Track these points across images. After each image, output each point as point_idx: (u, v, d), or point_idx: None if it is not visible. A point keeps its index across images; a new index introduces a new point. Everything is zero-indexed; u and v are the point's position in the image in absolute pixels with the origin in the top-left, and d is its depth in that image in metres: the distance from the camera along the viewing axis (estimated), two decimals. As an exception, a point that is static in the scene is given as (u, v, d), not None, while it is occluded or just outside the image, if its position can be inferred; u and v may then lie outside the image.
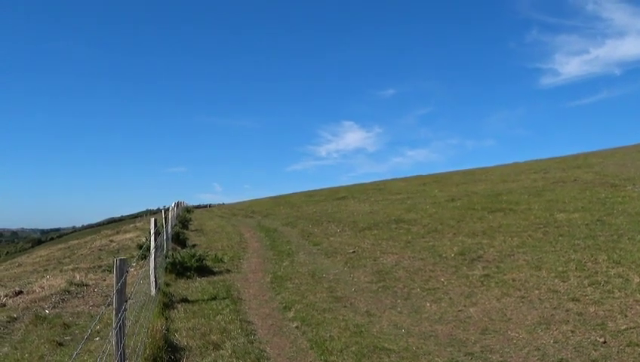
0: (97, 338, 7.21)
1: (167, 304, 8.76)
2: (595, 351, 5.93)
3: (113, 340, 4.65)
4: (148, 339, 6.34)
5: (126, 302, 4.88)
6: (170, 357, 6.16)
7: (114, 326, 4.64)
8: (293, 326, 7.76)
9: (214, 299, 9.43)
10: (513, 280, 9.01)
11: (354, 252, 13.13)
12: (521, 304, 7.87)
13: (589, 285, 8.13)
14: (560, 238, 11.18)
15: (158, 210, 34.55)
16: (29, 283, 11.92)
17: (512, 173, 28.00)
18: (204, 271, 11.92)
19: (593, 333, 6.40)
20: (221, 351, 6.46)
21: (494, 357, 6.07)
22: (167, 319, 7.77)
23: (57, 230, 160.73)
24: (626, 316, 6.79)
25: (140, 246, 15.15)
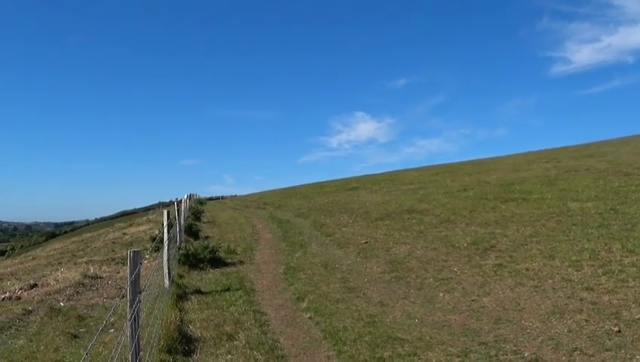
0: (112, 330, 7.28)
1: (181, 295, 8.83)
2: (610, 340, 5.89)
3: (128, 331, 4.68)
4: (162, 331, 6.39)
5: (140, 293, 4.91)
6: (185, 348, 6.21)
7: (128, 317, 4.67)
8: (307, 316, 7.79)
9: (227, 290, 9.48)
10: (526, 269, 8.97)
11: (366, 242, 13.12)
12: (534, 293, 7.83)
13: (602, 274, 8.06)
14: (573, 227, 11.09)
15: (171, 203, 34.76)
16: (43, 276, 12.04)
17: (524, 162, 27.81)
18: (217, 262, 11.98)
19: (607, 322, 6.36)
20: (235, 342, 6.51)
21: (508, 347, 6.05)
22: (180, 310, 7.82)
23: (71, 223, 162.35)
24: (641, 305, 6.73)
25: (153, 239, 15.25)
